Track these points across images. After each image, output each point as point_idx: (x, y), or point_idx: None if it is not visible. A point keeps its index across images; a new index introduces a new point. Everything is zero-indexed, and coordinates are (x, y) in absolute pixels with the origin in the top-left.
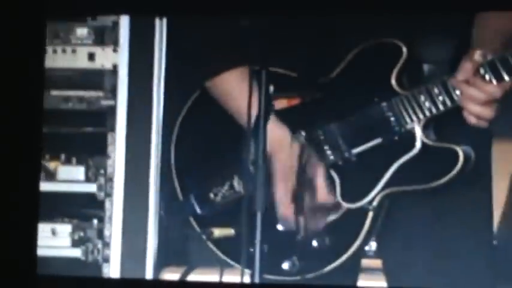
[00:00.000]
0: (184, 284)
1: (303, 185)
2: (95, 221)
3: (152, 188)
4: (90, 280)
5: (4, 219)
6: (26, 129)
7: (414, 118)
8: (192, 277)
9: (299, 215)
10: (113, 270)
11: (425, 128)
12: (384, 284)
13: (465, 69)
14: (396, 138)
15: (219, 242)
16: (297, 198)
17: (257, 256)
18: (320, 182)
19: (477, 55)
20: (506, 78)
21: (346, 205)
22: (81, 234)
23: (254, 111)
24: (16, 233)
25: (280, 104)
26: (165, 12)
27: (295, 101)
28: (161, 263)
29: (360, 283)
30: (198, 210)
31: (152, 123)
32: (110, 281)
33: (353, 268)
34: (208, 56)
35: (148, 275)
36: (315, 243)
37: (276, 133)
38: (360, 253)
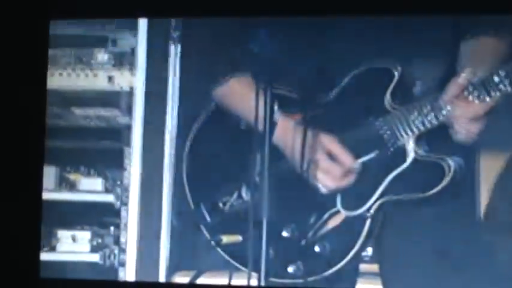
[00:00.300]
0: (195, 286)
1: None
2: (112, 228)
3: (165, 198)
4: (94, 283)
5: (8, 225)
6: (29, 137)
7: (407, 133)
8: (201, 281)
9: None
10: (128, 274)
11: (417, 142)
12: (380, 287)
13: (452, 89)
14: (391, 151)
15: (228, 248)
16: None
17: (263, 260)
18: (335, 147)
19: (463, 76)
20: (489, 97)
21: (345, 213)
22: (99, 240)
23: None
24: (19, 237)
25: None
26: (161, 14)
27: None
28: (173, 267)
29: (358, 286)
30: (208, 219)
31: (165, 138)
32: (111, 283)
33: (352, 272)
34: (217, 64)
35: (161, 279)
36: (317, 248)
37: (279, 124)
38: (358, 258)
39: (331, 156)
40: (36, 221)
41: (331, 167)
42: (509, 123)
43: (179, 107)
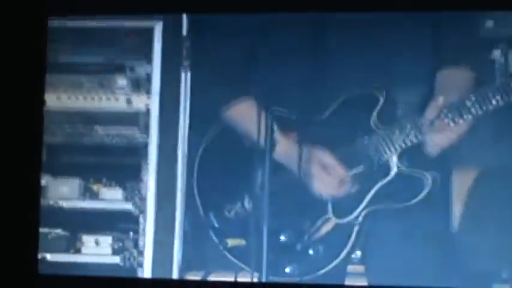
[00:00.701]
0: (205, 283)
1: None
2: (131, 234)
3: (178, 207)
4: (90, 279)
5: (8, 224)
6: (27, 140)
7: (391, 150)
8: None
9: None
10: (146, 274)
11: (399, 158)
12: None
13: (430, 111)
14: (376, 166)
15: (233, 250)
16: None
17: (264, 261)
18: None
19: (440, 100)
20: (462, 120)
21: (336, 221)
22: (120, 244)
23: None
24: (19, 235)
25: None
26: (158, 11)
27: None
28: (185, 268)
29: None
30: (216, 225)
31: (178, 154)
32: (106, 279)
33: (341, 272)
34: (223, 89)
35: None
36: (311, 251)
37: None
38: (347, 260)
39: (327, 168)
40: (34, 221)
41: (328, 178)
42: (480, 143)
43: (190, 127)
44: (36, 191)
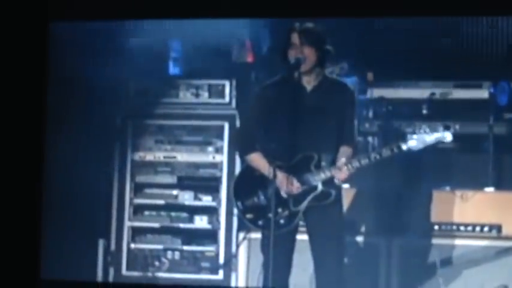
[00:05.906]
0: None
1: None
2: (215, 215)
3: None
4: (89, 284)
5: (10, 227)
6: (28, 145)
7: (318, 180)
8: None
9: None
10: (222, 231)
11: (322, 183)
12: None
13: (338, 164)
14: (312, 186)
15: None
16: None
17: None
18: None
19: (342, 160)
20: (351, 166)
21: (293, 209)
22: (211, 219)
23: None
24: (21, 240)
25: None
26: (159, 16)
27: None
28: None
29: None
30: (242, 209)
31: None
32: (103, 285)
33: (294, 230)
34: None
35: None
36: (282, 221)
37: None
38: (297, 225)
39: (293, 184)
40: (36, 224)
41: (293, 188)
42: (359, 178)
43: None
44: (38, 196)
